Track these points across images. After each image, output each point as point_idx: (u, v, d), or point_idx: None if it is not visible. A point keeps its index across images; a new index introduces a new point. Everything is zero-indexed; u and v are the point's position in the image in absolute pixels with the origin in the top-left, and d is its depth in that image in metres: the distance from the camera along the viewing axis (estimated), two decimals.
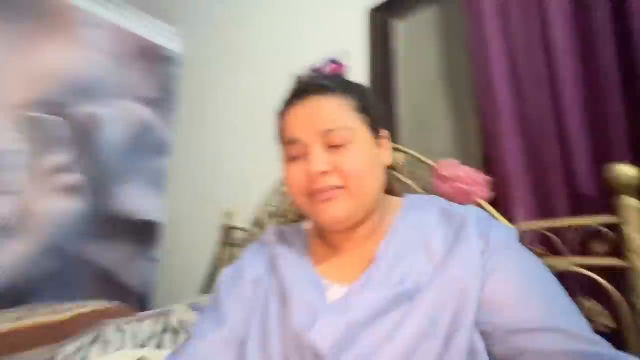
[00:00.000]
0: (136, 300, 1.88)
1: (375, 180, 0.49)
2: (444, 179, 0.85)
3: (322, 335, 0.40)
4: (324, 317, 0.42)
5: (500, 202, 0.82)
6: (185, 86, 2.35)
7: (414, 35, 1.19)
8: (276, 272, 0.51)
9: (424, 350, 0.37)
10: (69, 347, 0.74)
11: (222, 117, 1.96)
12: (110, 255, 1.92)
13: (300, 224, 0.62)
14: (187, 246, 1.95)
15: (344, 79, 0.53)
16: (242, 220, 1.55)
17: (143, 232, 2.08)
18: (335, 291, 0.47)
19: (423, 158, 0.92)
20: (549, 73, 0.76)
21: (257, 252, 0.58)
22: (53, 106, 1.79)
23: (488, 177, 0.82)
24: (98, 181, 1.92)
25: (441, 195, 0.69)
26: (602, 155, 0.69)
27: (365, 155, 0.47)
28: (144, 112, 2.17)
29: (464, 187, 0.80)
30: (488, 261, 0.41)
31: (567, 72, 0.73)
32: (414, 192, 0.88)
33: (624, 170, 0.60)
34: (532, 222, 0.76)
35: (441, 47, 1.12)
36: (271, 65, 1.68)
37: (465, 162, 0.87)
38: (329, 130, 0.46)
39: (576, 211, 0.72)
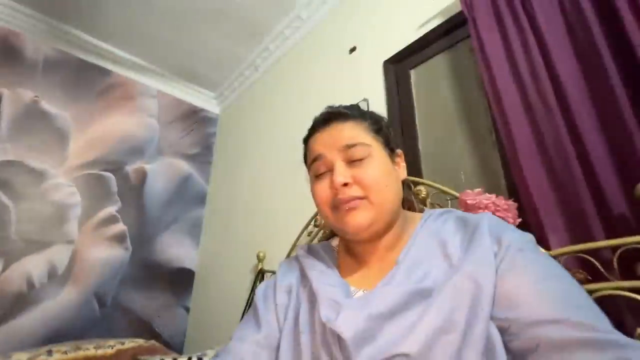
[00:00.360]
0: (169, 347, 1.88)
1: (393, 191, 0.53)
2: (469, 207, 0.86)
3: (345, 326, 0.42)
4: (347, 310, 0.44)
5: (532, 230, 0.81)
6: (221, 142, 2.58)
7: (427, 79, 1.29)
8: (306, 280, 0.55)
9: (444, 344, 0.38)
10: None
11: (254, 168, 2.10)
12: (147, 303, 1.98)
13: (330, 240, 0.66)
14: (219, 292, 1.97)
15: (359, 108, 0.60)
16: (273, 263, 1.57)
17: (179, 281, 2.15)
18: (360, 295, 0.50)
19: (446, 189, 0.94)
20: (557, 99, 0.80)
21: (289, 265, 0.62)
22: (109, 164, 2.03)
23: (513, 203, 0.82)
24: (140, 231, 2.07)
25: None
26: (630, 172, 0.68)
27: (382, 168, 0.52)
28: (185, 167, 2.38)
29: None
30: (502, 262, 0.42)
31: (574, 96, 0.77)
32: None
33: None
34: (566, 246, 0.73)
35: (453, 86, 1.20)
36: (297, 120, 1.83)
37: (490, 191, 0.88)
38: (349, 146, 0.52)
39: (613, 232, 0.69)
